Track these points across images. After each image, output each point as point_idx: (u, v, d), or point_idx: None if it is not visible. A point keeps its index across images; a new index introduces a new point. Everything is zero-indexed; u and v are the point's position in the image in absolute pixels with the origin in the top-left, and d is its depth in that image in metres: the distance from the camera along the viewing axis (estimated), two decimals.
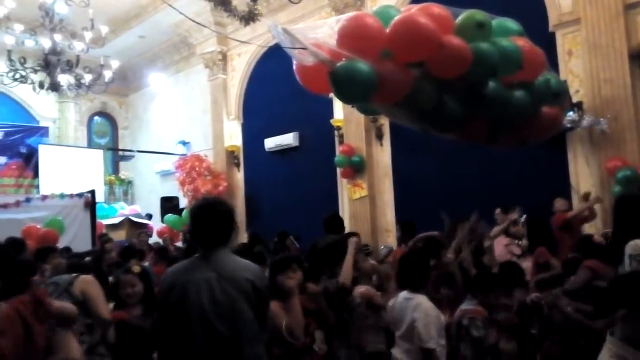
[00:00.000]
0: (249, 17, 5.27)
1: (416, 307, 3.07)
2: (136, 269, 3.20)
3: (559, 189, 6.23)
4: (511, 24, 3.74)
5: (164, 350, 2.38)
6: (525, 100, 3.65)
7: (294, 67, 3.35)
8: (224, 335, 2.22)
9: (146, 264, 5.48)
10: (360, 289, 3.57)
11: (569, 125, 6.16)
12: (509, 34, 3.62)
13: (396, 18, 3.20)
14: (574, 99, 6.30)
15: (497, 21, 3.68)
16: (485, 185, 6.97)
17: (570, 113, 6.05)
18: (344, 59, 3.10)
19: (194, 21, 5.96)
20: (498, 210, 6.01)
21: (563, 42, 6.69)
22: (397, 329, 3.23)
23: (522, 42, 3.56)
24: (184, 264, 2.44)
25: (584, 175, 6.31)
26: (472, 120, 3.68)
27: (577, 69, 6.52)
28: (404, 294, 3.23)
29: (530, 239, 4.63)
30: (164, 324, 2.34)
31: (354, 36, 3.12)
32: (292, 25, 9.01)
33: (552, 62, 6.65)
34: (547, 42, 6.60)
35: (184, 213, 9.47)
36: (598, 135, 6.09)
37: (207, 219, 2.38)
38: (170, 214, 9.83)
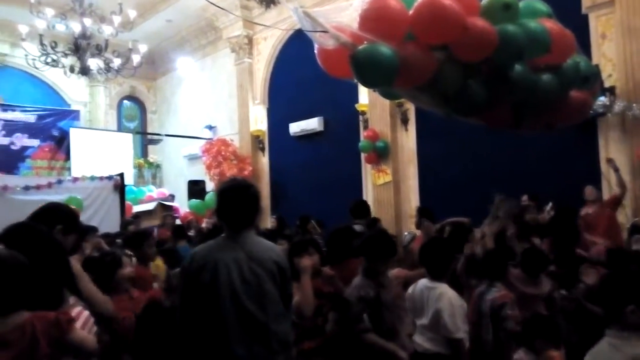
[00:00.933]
0: (270, 1, 5.25)
1: (440, 297, 3.03)
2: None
3: (588, 176, 6.08)
4: (540, 5, 3.63)
5: (189, 328, 2.39)
6: (552, 84, 3.54)
7: (316, 51, 3.32)
8: (253, 314, 2.28)
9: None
10: (393, 271, 3.57)
11: (600, 111, 5.99)
12: (537, 16, 3.52)
13: (419, 0, 3.14)
14: (607, 84, 6.12)
15: (525, 2, 3.57)
16: (512, 171, 6.85)
17: (602, 98, 5.88)
18: (365, 42, 3.06)
19: (217, 6, 5.95)
20: (525, 197, 5.88)
21: (596, 25, 6.48)
22: (417, 317, 3.19)
23: (551, 24, 3.45)
24: (212, 244, 2.47)
25: (615, 161, 6.13)
26: (497, 104, 3.60)
27: (610, 52, 6.32)
28: (424, 281, 3.19)
29: (555, 229, 4.53)
30: (192, 301, 2.36)
31: (376, 19, 3.07)
32: (318, 7, 9.03)
33: (585, 45, 6.47)
34: (580, 24, 6.41)
35: (207, 197, 9.60)
36: (630, 121, 5.90)
37: (235, 200, 2.40)
38: (193, 199, 9.96)
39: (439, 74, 3.26)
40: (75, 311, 1.92)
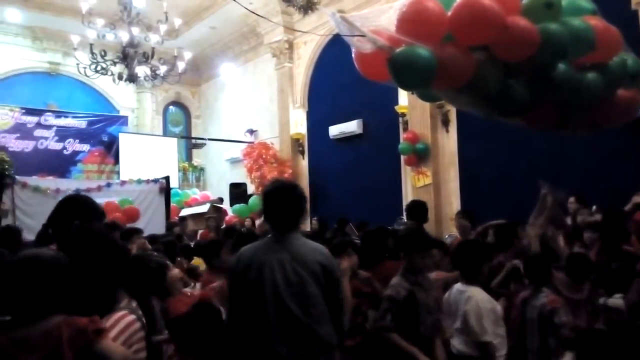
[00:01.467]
0: (307, 7, 5.33)
1: (468, 300, 3.02)
2: None
3: (636, 178, 5.84)
4: (584, 2, 3.52)
5: (235, 322, 2.46)
6: (598, 83, 3.42)
7: (353, 55, 3.35)
8: (296, 314, 2.31)
9: None
10: (432, 274, 3.57)
11: None
12: (581, 14, 3.41)
13: (458, 0, 3.11)
14: None
15: (568, 0, 3.49)
16: (556, 173, 6.65)
17: None
18: (403, 45, 3.06)
19: (257, 14, 6.07)
20: (572, 199, 5.70)
21: None
22: (453, 321, 3.18)
23: (595, 21, 3.34)
24: (258, 244, 2.52)
25: None
26: (540, 105, 3.52)
27: None
28: (458, 285, 3.18)
29: (604, 232, 4.38)
30: (238, 301, 2.43)
31: (414, 21, 3.03)
32: (357, 11, 9.07)
33: (634, 41, 6.20)
34: (629, 20, 6.19)
35: (250, 201, 9.74)
36: None
37: (280, 201, 2.43)
38: (237, 204, 10.09)
39: (479, 74, 3.21)
40: (115, 317, 1.76)
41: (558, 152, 6.66)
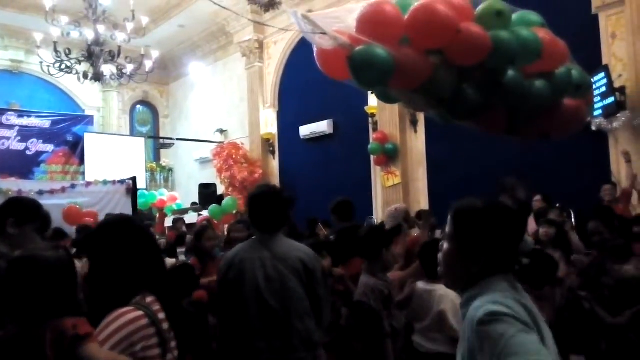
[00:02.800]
0: (270, 5, 5.33)
1: (442, 299, 3.03)
2: None
3: (599, 178, 6.04)
4: (533, 16, 3.68)
5: (224, 323, 2.56)
6: (544, 90, 3.56)
7: (315, 53, 3.40)
8: (275, 310, 2.38)
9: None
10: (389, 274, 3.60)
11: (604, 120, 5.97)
12: (530, 26, 3.56)
13: (414, 5, 3.22)
14: (617, 84, 6.09)
15: (519, 13, 3.64)
16: (522, 172, 6.82)
17: (611, 99, 5.85)
18: (363, 44, 3.12)
19: (228, 9, 6.03)
20: (538, 197, 5.85)
21: (606, 25, 6.44)
22: (417, 320, 3.18)
23: (543, 33, 3.51)
24: (243, 245, 2.63)
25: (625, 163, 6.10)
26: (491, 109, 3.63)
27: (620, 52, 6.28)
28: (421, 284, 3.19)
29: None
30: (223, 296, 2.52)
31: (373, 22, 3.14)
32: (329, 9, 9.09)
33: (595, 45, 6.48)
34: (590, 24, 6.40)
35: (224, 202, 9.60)
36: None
37: (267, 205, 2.53)
38: (213, 205, 9.91)
39: (434, 77, 3.30)
40: (117, 313, 1.60)
41: (524, 153, 6.80)
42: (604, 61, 6.25)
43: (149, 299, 1.65)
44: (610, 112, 5.99)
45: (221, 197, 10.64)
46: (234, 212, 9.22)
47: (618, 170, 6.14)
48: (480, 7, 3.33)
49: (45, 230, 2.60)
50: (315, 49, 3.38)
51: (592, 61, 5.90)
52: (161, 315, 1.64)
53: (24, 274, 1.58)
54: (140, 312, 1.60)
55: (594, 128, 6.06)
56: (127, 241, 1.73)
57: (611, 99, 5.93)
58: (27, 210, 2.49)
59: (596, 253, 4.17)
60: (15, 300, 1.57)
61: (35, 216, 2.51)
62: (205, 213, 9.58)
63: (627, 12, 6.12)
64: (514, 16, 3.45)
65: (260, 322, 2.38)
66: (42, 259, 1.62)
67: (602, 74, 5.98)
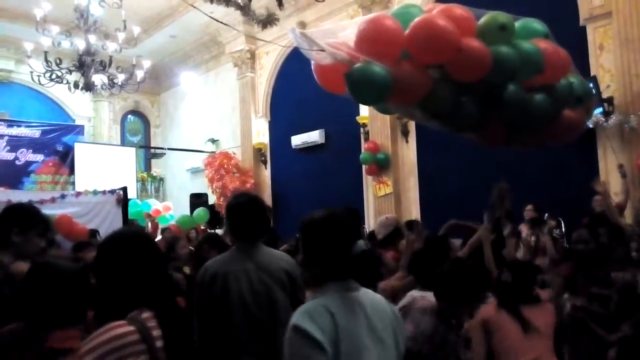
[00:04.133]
0: (267, 21, 5.34)
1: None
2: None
3: (588, 186, 6.08)
4: (537, 25, 3.62)
5: (205, 335, 2.48)
6: (545, 104, 3.53)
7: (312, 67, 3.40)
8: (262, 322, 2.36)
9: None
10: (380, 284, 3.59)
11: (600, 122, 6.01)
12: (533, 36, 3.51)
13: (415, 20, 3.17)
14: (605, 94, 6.17)
15: (522, 22, 3.56)
16: (513, 182, 6.81)
17: (599, 110, 5.91)
18: (361, 60, 3.12)
19: (219, 22, 6.05)
20: (530, 207, 5.86)
21: (594, 37, 6.54)
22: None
23: (545, 44, 3.44)
24: (223, 256, 2.58)
25: (614, 172, 6.14)
26: (490, 123, 3.64)
27: (608, 63, 6.37)
28: (414, 292, 3.16)
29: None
30: (206, 311, 2.46)
31: (372, 39, 3.12)
32: (319, 22, 9.16)
33: (583, 56, 6.55)
34: (578, 36, 6.48)
35: (195, 213, 9.44)
36: (628, 131, 5.94)
37: (248, 214, 2.49)
38: (182, 214, 9.74)
39: (433, 92, 3.30)
40: (107, 326, 1.54)
41: (514, 162, 6.86)
42: (592, 72, 6.33)
43: (145, 314, 1.59)
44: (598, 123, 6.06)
45: (213, 207, 10.61)
46: (196, 226, 8.96)
47: (607, 179, 6.19)
48: (482, 20, 3.28)
49: (46, 234, 2.59)
50: (312, 64, 3.38)
51: (581, 72, 5.80)
52: (156, 332, 1.57)
53: (41, 280, 1.65)
54: (131, 327, 1.54)
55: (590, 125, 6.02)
56: (134, 257, 1.69)
57: (600, 110, 6.00)
58: (28, 217, 2.50)
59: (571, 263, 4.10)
60: (30, 303, 1.64)
61: (37, 221, 2.52)
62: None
63: (614, 24, 6.22)
64: (517, 24, 3.40)
65: (248, 336, 2.35)
66: (60, 268, 1.69)
67: (591, 85, 6.04)
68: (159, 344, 1.57)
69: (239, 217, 2.51)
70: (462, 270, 2.76)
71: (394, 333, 1.61)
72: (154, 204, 11.03)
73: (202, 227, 9.25)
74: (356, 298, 1.55)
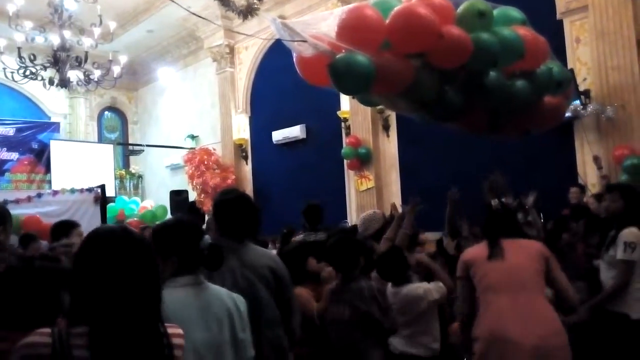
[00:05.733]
0: (247, 12, 5.29)
1: (427, 293, 3.08)
2: None
3: (566, 178, 6.20)
4: (514, 12, 3.69)
5: None
6: (526, 90, 3.61)
7: (294, 59, 3.37)
8: None
9: None
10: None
11: (570, 115, 6.10)
12: (511, 23, 3.58)
13: (395, 9, 3.17)
14: (582, 87, 6.26)
15: (500, 10, 3.62)
16: (492, 173, 6.95)
17: (577, 101, 6.00)
18: (343, 51, 3.11)
19: (198, 16, 5.97)
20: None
21: (571, 30, 6.63)
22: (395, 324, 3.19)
23: (524, 31, 3.51)
24: None
25: (591, 163, 6.25)
26: (473, 110, 3.67)
27: (584, 56, 6.47)
28: (390, 288, 3.20)
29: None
30: None
31: (353, 28, 3.11)
32: (298, 16, 9.11)
33: (560, 50, 6.62)
34: (555, 29, 6.56)
35: (154, 208, 9.33)
36: (605, 123, 6.04)
37: (237, 211, 2.44)
38: (146, 210, 9.61)
39: (416, 80, 3.31)
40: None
41: (493, 155, 6.92)
42: (569, 65, 6.42)
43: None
44: (576, 115, 6.15)
45: (193, 204, 10.50)
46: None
47: (584, 171, 6.31)
48: (461, 7, 3.30)
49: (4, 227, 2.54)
50: (294, 56, 3.35)
51: None
52: (78, 353, 1.33)
53: (19, 280, 1.66)
54: (47, 340, 1.34)
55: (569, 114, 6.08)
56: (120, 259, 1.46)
57: (577, 102, 6.09)
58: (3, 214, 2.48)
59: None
60: (8, 304, 1.64)
61: (7, 218, 2.50)
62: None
63: (591, 18, 6.31)
64: (495, 12, 3.43)
65: None
66: (38, 268, 1.68)
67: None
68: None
69: (227, 214, 2.45)
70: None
71: (229, 320, 1.92)
72: (134, 202, 10.93)
73: None
74: (196, 290, 1.88)
